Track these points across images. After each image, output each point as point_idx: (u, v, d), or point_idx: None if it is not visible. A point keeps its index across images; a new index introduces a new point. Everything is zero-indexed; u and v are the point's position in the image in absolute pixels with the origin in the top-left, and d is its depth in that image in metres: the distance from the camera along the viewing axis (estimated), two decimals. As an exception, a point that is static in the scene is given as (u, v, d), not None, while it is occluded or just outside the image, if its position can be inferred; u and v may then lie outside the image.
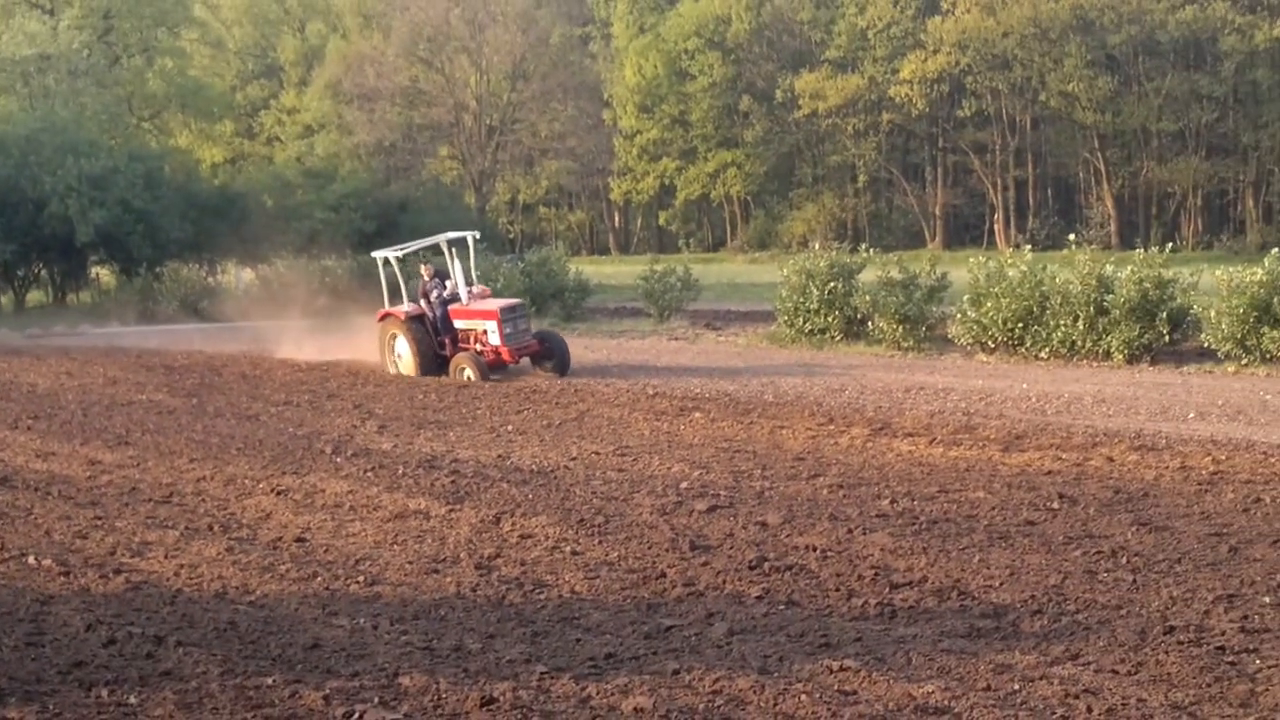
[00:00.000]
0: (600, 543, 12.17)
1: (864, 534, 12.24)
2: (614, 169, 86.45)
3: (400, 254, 27.52)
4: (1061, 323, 26.75)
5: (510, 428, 19.49)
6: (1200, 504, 13.38)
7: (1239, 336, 24.79)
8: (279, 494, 14.76)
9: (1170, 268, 26.73)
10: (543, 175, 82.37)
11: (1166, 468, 15.31)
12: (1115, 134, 77.89)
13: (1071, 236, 30.52)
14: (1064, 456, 16.12)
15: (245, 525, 13.36)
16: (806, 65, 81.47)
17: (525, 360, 26.37)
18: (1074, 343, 26.61)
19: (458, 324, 26.50)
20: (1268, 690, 8.09)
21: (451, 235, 27.85)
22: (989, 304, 27.65)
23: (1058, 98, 75.59)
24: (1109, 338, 26.18)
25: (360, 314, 31.30)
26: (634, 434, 18.74)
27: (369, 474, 15.86)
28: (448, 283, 27.09)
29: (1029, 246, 32.53)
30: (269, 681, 8.54)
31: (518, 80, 69.64)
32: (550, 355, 26.40)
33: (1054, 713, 7.81)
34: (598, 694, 8.25)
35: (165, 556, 12.04)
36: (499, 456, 17.00)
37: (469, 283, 27.23)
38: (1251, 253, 51.19)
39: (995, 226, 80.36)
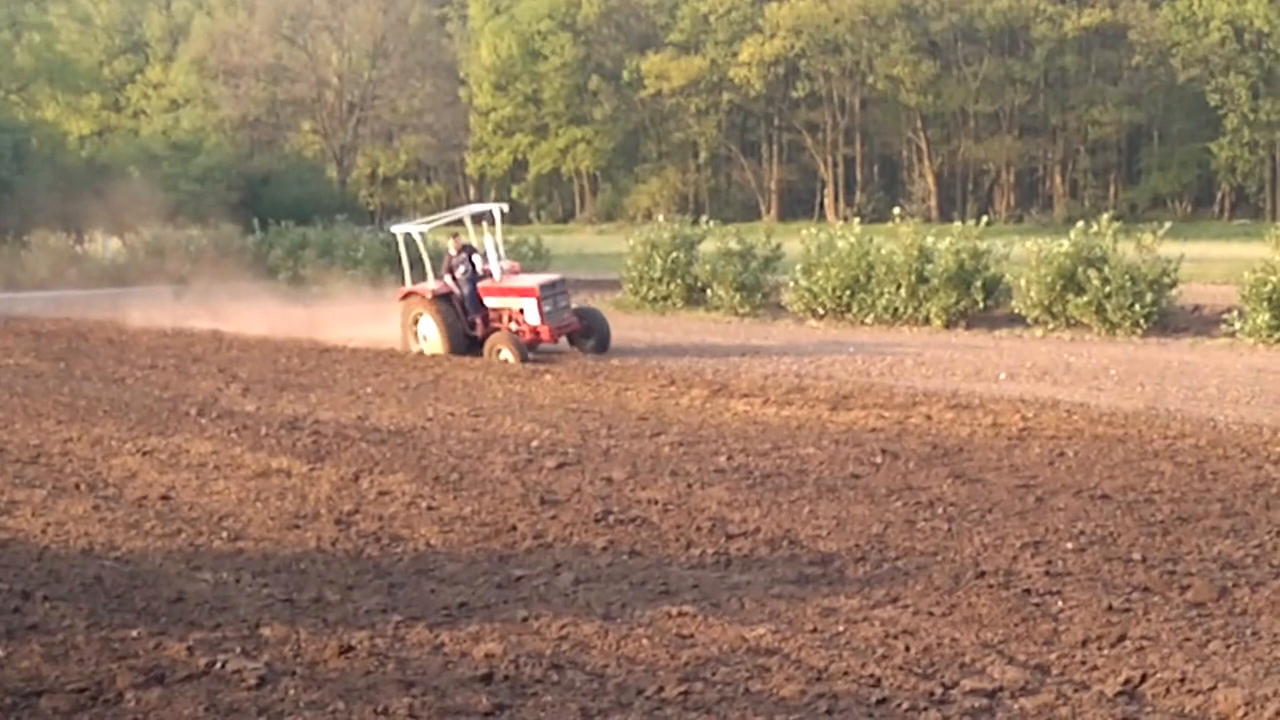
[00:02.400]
0: (454, 498, 12.09)
1: (702, 488, 12.31)
2: (470, 144, 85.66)
3: (426, 228, 25.08)
4: (885, 290, 27.18)
5: (369, 390, 19.27)
6: (1010, 458, 13.67)
7: (1046, 303, 25.41)
8: (145, 454, 14.42)
9: (985, 240, 27.30)
10: (402, 150, 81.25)
11: (980, 425, 15.63)
12: (936, 115, 79.30)
13: (896, 210, 30.84)
14: (886, 415, 16.37)
15: (111, 484, 13.04)
16: (652, 47, 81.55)
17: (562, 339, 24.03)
18: (897, 309, 27.06)
19: (490, 302, 23.60)
20: (1069, 629, 8.30)
21: (475, 209, 25.88)
22: (819, 273, 28.00)
23: (884, 80, 76.76)
24: (928, 304, 26.66)
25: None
26: (487, 395, 18.65)
27: (233, 434, 15.56)
28: (475, 258, 24.02)
29: (857, 219, 32.86)
30: (134, 634, 8.35)
31: (378, 58, 68.41)
32: (590, 333, 23.99)
33: (875, 652, 7.93)
34: (451, 641, 8.21)
35: (33, 514, 11.72)
36: (358, 417, 16.79)
37: (499, 257, 24.16)
38: (1059, 226, 52.24)
39: (826, 200, 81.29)
